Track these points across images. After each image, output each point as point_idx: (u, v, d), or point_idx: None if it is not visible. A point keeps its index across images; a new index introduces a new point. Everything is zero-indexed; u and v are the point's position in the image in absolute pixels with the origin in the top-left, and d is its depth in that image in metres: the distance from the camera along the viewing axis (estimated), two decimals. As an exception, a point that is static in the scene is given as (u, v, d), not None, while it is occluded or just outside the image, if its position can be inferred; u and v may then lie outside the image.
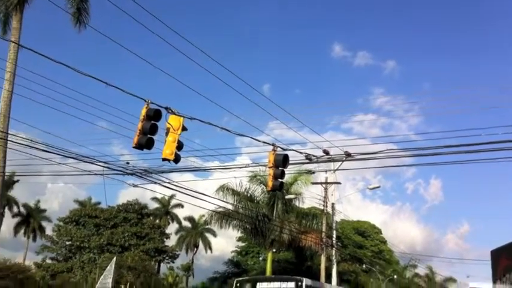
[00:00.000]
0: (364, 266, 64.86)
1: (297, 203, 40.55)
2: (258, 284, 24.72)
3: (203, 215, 57.60)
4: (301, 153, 18.52)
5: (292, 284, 23.60)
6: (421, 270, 77.86)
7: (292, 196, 38.14)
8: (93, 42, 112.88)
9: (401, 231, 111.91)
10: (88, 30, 28.76)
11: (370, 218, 78.21)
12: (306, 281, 23.89)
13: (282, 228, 38.19)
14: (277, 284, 24.31)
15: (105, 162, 19.49)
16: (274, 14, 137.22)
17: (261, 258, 66.46)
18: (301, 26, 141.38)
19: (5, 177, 29.70)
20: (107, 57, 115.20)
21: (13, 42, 23.68)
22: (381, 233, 73.82)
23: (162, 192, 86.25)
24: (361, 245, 67.48)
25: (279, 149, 16.29)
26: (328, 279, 37.56)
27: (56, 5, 15.64)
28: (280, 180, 16.00)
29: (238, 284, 25.35)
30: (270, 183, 15.85)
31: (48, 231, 66.45)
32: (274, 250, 44.43)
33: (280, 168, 15.71)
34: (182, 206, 71.70)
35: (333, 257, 38.77)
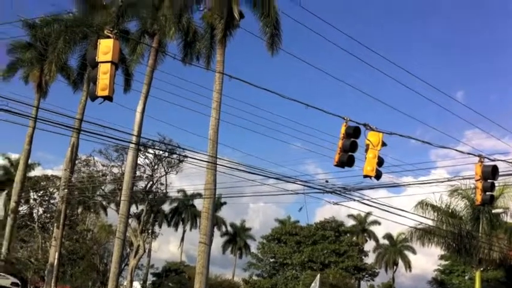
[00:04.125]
0: None
1: (504, 218, 37.67)
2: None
3: (402, 233, 56.25)
4: (510, 162, 17.24)
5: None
6: None
7: (499, 210, 35.48)
8: (282, 62, 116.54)
9: None
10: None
11: None
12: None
13: (491, 245, 35.57)
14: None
15: (305, 181, 20.14)
16: (463, 17, 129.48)
17: (466, 277, 62.41)
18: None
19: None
20: (292, 74, 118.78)
21: (219, 73, 25.79)
22: None
23: (358, 209, 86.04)
24: None
25: (485, 159, 15.39)
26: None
27: (253, 34, 16.76)
28: (489, 193, 15.14)
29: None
30: (479, 197, 15.05)
31: (253, 249, 70.68)
32: (481, 269, 41.50)
33: (489, 180, 14.88)
34: (379, 223, 70.92)
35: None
